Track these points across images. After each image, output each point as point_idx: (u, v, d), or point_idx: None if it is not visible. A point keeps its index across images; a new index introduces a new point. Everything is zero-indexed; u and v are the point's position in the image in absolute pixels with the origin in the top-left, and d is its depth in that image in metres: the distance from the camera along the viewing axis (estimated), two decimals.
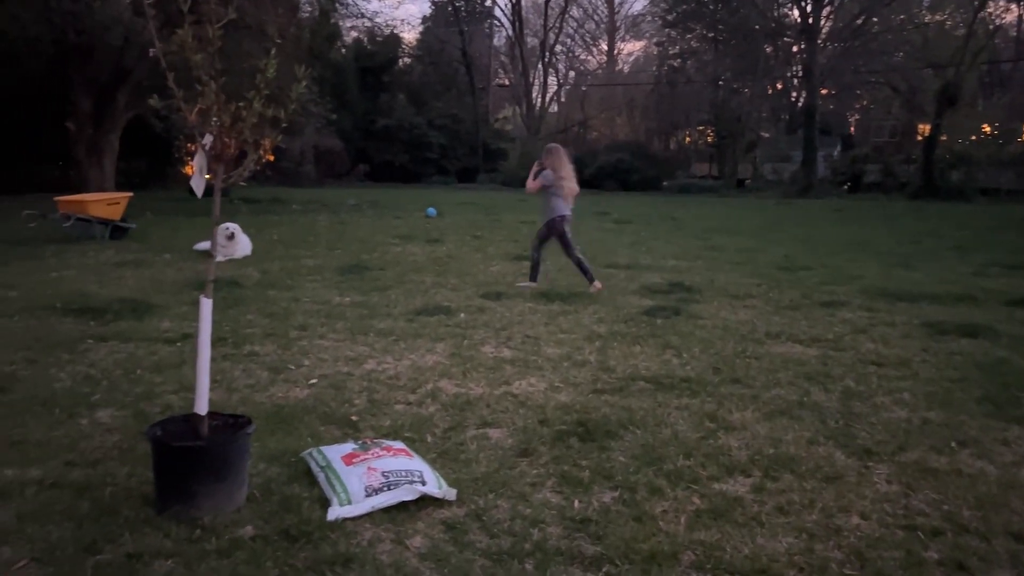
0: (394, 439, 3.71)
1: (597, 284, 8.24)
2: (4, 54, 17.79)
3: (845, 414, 4.32)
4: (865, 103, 52.51)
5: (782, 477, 3.44)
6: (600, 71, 61.12)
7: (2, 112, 22.72)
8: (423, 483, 3.15)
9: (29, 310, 6.65)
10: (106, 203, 12.58)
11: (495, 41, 55.25)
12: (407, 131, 42.30)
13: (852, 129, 54.04)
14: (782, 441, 3.88)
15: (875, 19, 39.66)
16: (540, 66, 52.67)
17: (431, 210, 19.44)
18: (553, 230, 8.29)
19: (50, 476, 3.31)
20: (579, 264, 8.37)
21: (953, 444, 3.87)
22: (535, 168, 8.33)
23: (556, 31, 52.86)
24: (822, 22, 39.18)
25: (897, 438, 3.94)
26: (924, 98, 38.25)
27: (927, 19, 39.88)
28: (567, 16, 53.17)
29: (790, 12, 42.21)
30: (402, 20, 75.83)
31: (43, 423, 3.96)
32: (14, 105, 22.57)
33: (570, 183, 8.19)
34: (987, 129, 37.06)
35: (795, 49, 42.52)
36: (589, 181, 39.96)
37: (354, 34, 42.80)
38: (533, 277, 8.53)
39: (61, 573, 2.58)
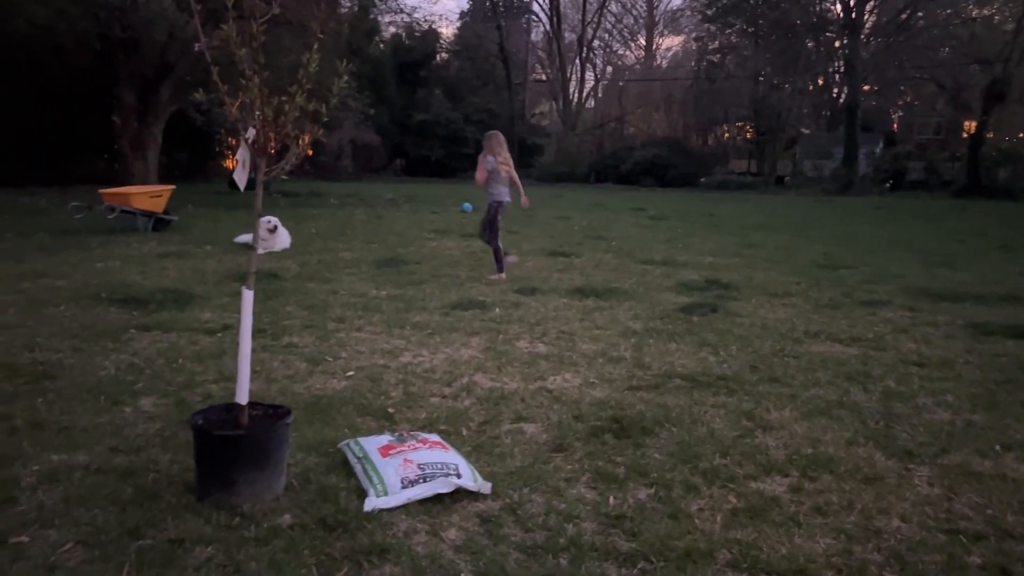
0: (430, 432, 3.74)
1: (503, 275, 8.53)
2: (52, 49, 18.19)
3: (886, 415, 4.25)
4: (909, 99, 51.46)
5: (820, 477, 3.40)
6: (638, 66, 60.68)
7: (50, 106, 23.28)
8: (458, 476, 3.17)
9: (76, 299, 6.81)
10: (149, 196, 12.81)
11: (532, 36, 55.11)
12: (443, 126, 42.43)
13: (895, 126, 53.04)
14: (821, 441, 3.83)
15: (920, 13, 38.82)
16: (577, 61, 52.44)
17: (467, 205, 19.49)
18: (496, 210, 8.66)
19: (95, 461, 3.39)
20: (496, 251, 8.71)
21: (997, 447, 3.80)
22: (481, 157, 8.68)
23: (594, 26, 52.54)
24: (865, 17, 38.47)
25: (939, 440, 3.87)
26: (971, 94, 37.37)
27: (974, 13, 38.94)
28: (605, 11, 52.86)
29: (832, 7, 41.50)
30: (440, 15, 76.18)
31: (89, 410, 4.06)
32: (62, 99, 23.12)
33: (507, 167, 8.59)
34: None
35: (837, 44, 41.79)
36: (626, 177, 39.96)
37: (392, 29, 43.12)
38: (500, 268, 8.72)
39: (106, 556, 2.64)
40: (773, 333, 6.20)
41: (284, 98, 3.06)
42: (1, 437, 3.64)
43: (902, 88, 47.90)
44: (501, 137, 8.78)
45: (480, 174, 8.59)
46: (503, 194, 8.64)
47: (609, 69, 61.67)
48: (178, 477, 3.25)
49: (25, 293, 7.06)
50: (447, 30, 53.31)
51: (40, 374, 4.63)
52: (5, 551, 2.65)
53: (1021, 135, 35.26)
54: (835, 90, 47.45)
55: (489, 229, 8.69)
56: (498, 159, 8.52)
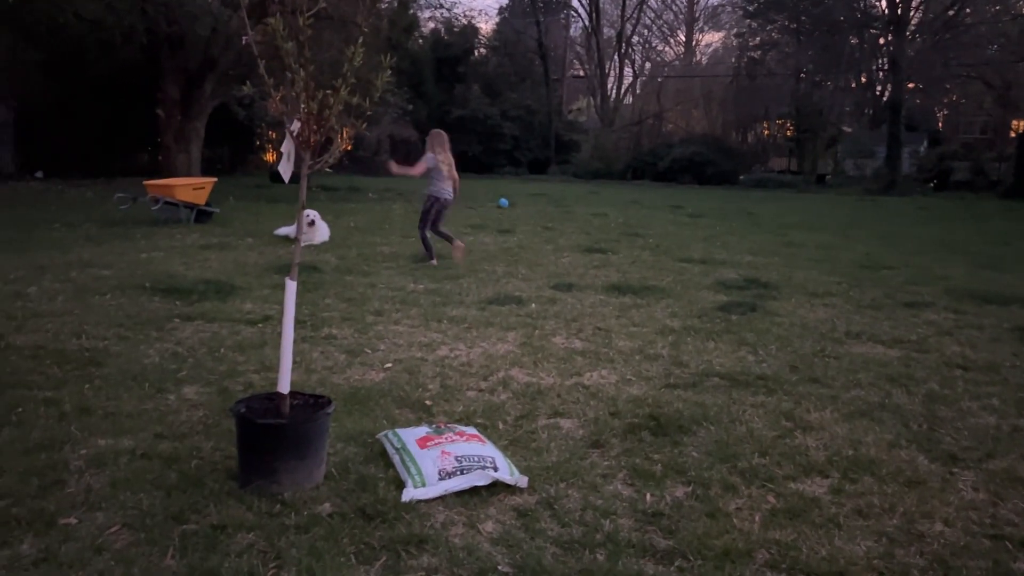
0: (466, 425, 3.76)
1: (434, 262, 9.00)
2: (100, 43, 18.57)
3: (929, 418, 4.18)
4: (954, 98, 50.38)
5: (861, 479, 3.36)
6: (677, 63, 60.18)
7: (98, 99, 23.77)
8: (495, 469, 3.18)
9: (121, 289, 6.95)
10: (192, 188, 13.02)
11: (571, 32, 54.97)
12: (481, 122, 42.47)
13: (940, 125, 51.96)
14: (862, 443, 3.78)
15: (968, 10, 37.95)
16: (616, 57, 52.18)
17: (503, 200, 19.52)
18: (433, 204, 9.06)
19: (141, 447, 3.47)
20: (425, 240, 9.17)
21: None
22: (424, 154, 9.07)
23: (633, 22, 52.25)
24: (911, 13, 37.72)
25: (985, 445, 3.80)
26: (1019, 93, 36.48)
27: None
28: (645, 6, 52.52)
29: (877, 3, 40.75)
30: (479, 11, 76.30)
31: (134, 396, 4.15)
32: (109, 93, 23.58)
33: (448, 165, 9.00)
34: None
35: (881, 41, 41.04)
36: (663, 174, 39.63)
37: (431, 25, 43.25)
38: (430, 255, 9.12)
39: (151, 539, 2.70)
40: (813, 333, 6.12)
41: (329, 92, 3.09)
42: (50, 421, 3.74)
43: (948, 86, 46.88)
44: (444, 136, 9.21)
45: (418, 168, 8.97)
46: (443, 191, 9.09)
47: (648, 65, 61.29)
48: (220, 464, 3.31)
49: (73, 282, 7.22)
50: (486, 26, 53.44)
51: (87, 360, 4.74)
52: (54, 532, 2.73)
53: None
54: (878, 88, 46.60)
55: (423, 220, 9.17)
56: (439, 157, 8.92)
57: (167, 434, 3.64)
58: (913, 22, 38.37)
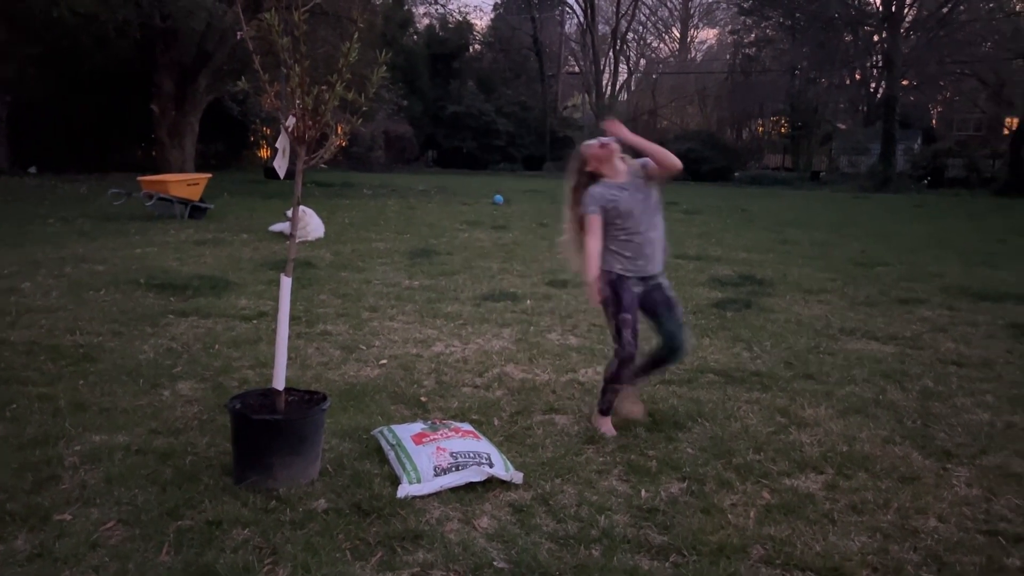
0: (462, 421, 3.76)
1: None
2: (95, 37, 18.51)
3: (923, 414, 4.19)
4: (948, 95, 50.47)
5: (856, 475, 3.37)
6: (672, 59, 60.18)
7: (92, 94, 23.68)
8: (490, 465, 3.19)
9: (115, 284, 6.93)
10: (186, 183, 12.99)
11: (566, 28, 54.91)
12: (475, 118, 42.44)
13: (934, 122, 52.05)
14: (856, 439, 3.79)
15: (962, 7, 38.01)
16: (611, 54, 52.16)
17: (498, 197, 19.50)
18: None
19: (136, 443, 3.46)
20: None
21: None
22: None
23: (628, 18, 52.23)
24: (905, 10, 37.75)
25: (979, 441, 3.81)
26: (1013, 90, 36.56)
27: (1018, 7, 38.04)
28: (640, 3, 52.47)
29: (871, 0, 40.79)
30: (474, 7, 76.16)
31: (129, 392, 4.14)
32: (103, 88, 23.50)
33: None
34: None
35: (876, 38, 41.08)
36: None
37: (426, 21, 43.18)
38: None
39: (146, 535, 2.70)
40: (808, 330, 6.13)
41: (324, 87, 3.08)
42: (45, 417, 3.73)
43: (942, 83, 46.96)
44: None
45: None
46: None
47: (643, 62, 61.29)
48: (216, 460, 3.30)
49: (67, 277, 7.20)
50: (481, 22, 53.32)
51: (82, 356, 4.73)
52: (49, 528, 2.72)
53: None
54: (873, 85, 46.67)
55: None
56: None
57: (162, 430, 3.64)
58: (907, 19, 38.42)
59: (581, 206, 3.74)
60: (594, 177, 3.76)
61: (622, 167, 3.73)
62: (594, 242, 3.71)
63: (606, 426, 3.80)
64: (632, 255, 3.72)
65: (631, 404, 3.91)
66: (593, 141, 3.75)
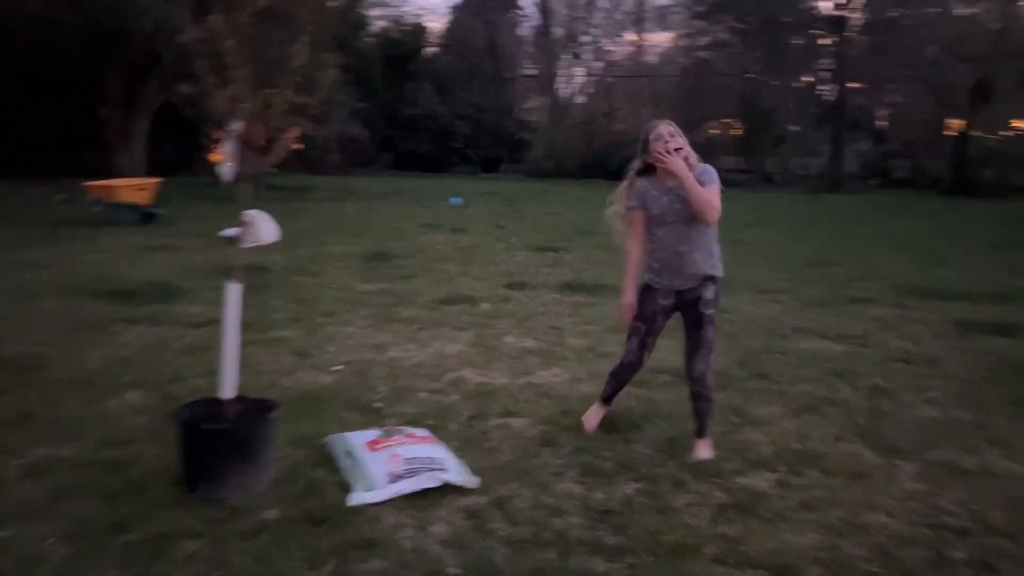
0: (417, 426, 3.73)
1: None
2: (40, 39, 18.02)
3: (873, 411, 4.28)
4: (896, 97, 51.65)
5: (807, 473, 3.42)
6: (627, 62, 60.65)
7: (37, 97, 23.04)
8: (445, 471, 3.17)
9: (63, 292, 6.76)
10: (135, 188, 12.74)
11: (522, 31, 54.99)
12: (432, 120, 42.33)
13: (883, 123, 53.22)
14: (808, 437, 3.85)
15: (908, 12, 38.96)
16: (566, 56, 52.37)
17: (457, 199, 19.44)
18: None
19: (82, 455, 3.37)
20: None
21: (983, 444, 3.82)
22: None
23: (583, 21, 52.50)
24: (854, 14, 38.59)
25: (926, 437, 3.90)
26: (957, 93, 37.51)
27: (962, 12, 39.09)
28: (594, 6, 52.79)
29: (819, 4, 41.59)
30: (429, 9, 75.96)
31: (76, 402, 4.03)
32: (49, 90, 22.88)
33: None
34: (1022, 125, 36.32)
35: (825, 42, 41.90)
36: (614, 173, 39.79)
37: (381, 23, 42.88)
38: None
39: (92, 550, 2.62)
40: (761, 329, 6.22)
41: (272, 91, 3.04)
42: None
43: (890, 86, 48.04)
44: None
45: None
46: None
47: (599, 65, 61.66)
48: (165, 471, 3.22)
49: (12, 284, 6.99)
50: (436, 24, 53.10)
51: (27, 366, 4.59)
52: None
53: (1008, 134, 35.42)
54: (822, 88, 47.55)
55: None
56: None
57: (110, 441, 3.55)
58: (856, 23, 39.27)
59: (627, 198, 3.62)
60: (648, 168, 3.61)
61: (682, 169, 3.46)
62: (634, 245, 3.60)
63: (590, 418, 3.85)
64: (659, 267, 3.58)
65: (593, 414, 3.90)
66: (667, 139, 3.51)
